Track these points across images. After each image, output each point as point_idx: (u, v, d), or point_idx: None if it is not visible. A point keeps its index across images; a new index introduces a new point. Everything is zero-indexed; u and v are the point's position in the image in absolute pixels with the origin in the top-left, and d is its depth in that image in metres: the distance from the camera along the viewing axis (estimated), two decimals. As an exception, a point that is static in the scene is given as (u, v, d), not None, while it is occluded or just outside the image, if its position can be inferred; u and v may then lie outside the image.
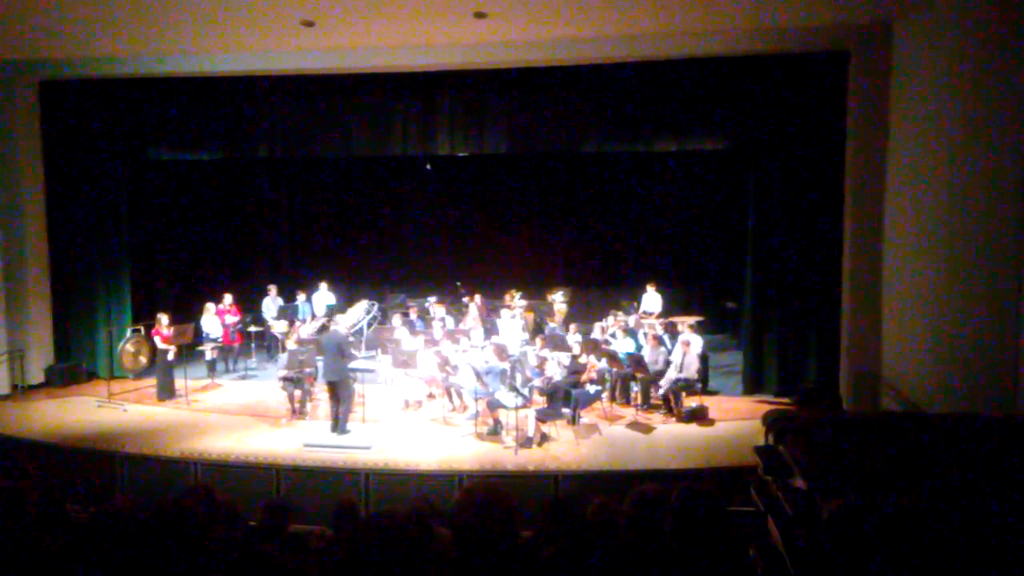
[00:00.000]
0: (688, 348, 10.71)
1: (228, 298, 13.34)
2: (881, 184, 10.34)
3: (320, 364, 11.49)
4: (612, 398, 10.98)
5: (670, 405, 10.48)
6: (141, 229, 13.71)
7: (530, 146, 12.40)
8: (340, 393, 9.68)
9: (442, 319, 12.89)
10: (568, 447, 9.32)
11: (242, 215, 16.49)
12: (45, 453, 9.58)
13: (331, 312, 13.42)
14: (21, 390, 12.14)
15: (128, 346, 11.99)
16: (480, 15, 9.59)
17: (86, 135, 12.67)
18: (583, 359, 10.94)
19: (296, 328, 12.71)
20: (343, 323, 12.52)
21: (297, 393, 10.61)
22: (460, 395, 10.65)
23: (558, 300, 14.13)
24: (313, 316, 13.84)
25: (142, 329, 12.18)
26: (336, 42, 11.01)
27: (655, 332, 11.75)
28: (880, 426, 2.77)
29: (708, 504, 2.75)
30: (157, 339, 11.63)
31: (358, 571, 2.67)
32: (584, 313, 14.10)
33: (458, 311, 13.77)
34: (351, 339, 11.86)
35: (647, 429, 10.02)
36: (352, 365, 9.97)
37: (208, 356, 12.62)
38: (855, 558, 1.95)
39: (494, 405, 9.64)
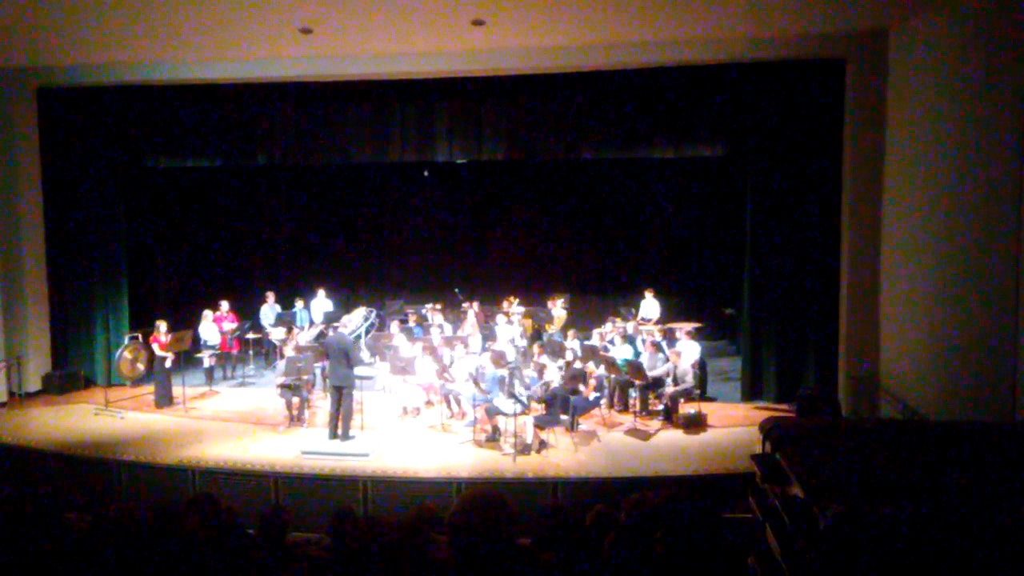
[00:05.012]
0: (679, 358, 10.71)
1: (225, 305, 13.35)
2: (878, 190, 10.37)
3: (318, 371, 11.50)
4: (610, 405, 10.97)
5: (668, 412, 10.48)
6: (139, 236, 13.70)
7: (528, 153, 12.42)
8: (344, 399, 9.64)
9: (440, 326, 12.89)
10: (566, 454, 9.31)
11: (240, 222, 16.48)
12: (42, 461, 9.56)
13: (329, 319, 13.41)
14: (19, 398, 12.11)
15: (126, 353, 11.97)
16: (478, 23, 9.61)
17: (84, 142, 12.66)
18: (577, 365, 10.92)
19: (294, 335, 12.71)
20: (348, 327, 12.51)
21: (295, 400, 10.59)
22: (458, 402, 10.65)
23: (557, 307, 14.14)
24: (311, 323, 13.84)
25: (140, 336, 12.16)
26: (334, 49, 11.04)
27: (653, 339, 11.75)
28: (878, 434, 2.77)
29: (702, 513, 2.75)
30: (155, 346, 11.63)
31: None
32: (583, 320, 14.10)
33: (456, 318, 13.77)
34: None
35: (645, 436, 10.02)
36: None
37: (206, 363, 12.63)
38: (853, 567, 1.95)
39: (492, 412, 9.64)
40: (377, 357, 11.90)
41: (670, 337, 12.21)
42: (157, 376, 11.71)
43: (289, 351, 11.42)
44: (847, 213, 10.74)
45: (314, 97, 12.27)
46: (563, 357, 11.10)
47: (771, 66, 10.86)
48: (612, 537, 3.53)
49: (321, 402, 11.12)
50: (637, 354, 11.55)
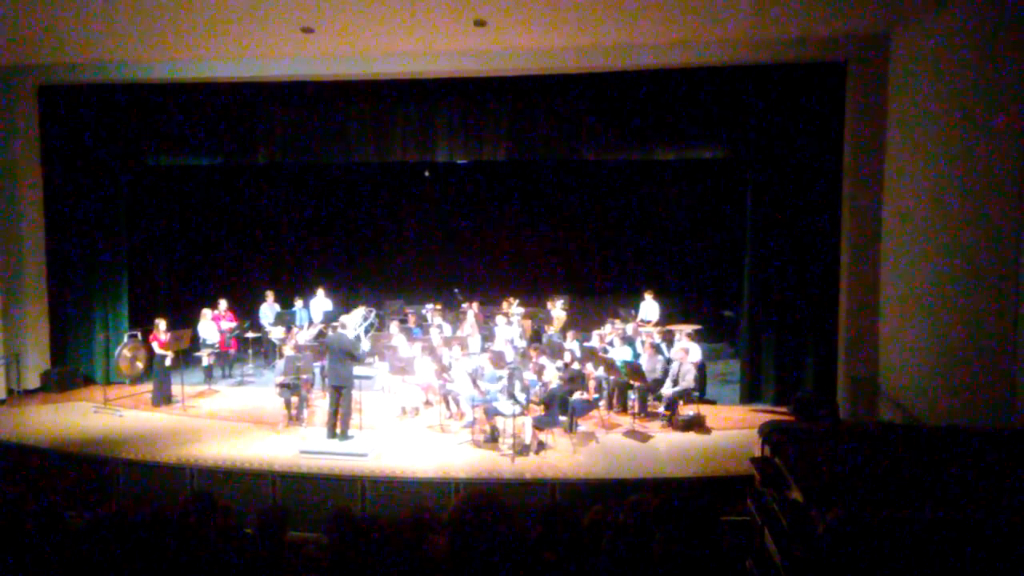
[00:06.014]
0: (685, 356, 10.71)
1: (223, 303, 13.35)
2: (878, 193, 10.38)
3: (317, 371, 11.49)
4: (609, 406, 10.97)
5: (667, 413, 10.48)
6: (139, 234, 13.69)
7: (529, 154, 12.41)
8: (343, 398, 9.62)
9: (439, 326, 12.89)
10: (565, 455, 9.31)
11: (240, 221, 16.48)
12: (41, 459, 9.56)
13: (328, 318, 13.41)
14: (17, 395, 12.11)
15: (125, 351, 11.97)
16: (480, 23, 9.62)
17: (85, 140, 12.66)
18: (576, 367, 10.92)
19: (293, 334, 12.71)
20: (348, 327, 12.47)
21: (294, 399, 10.59)
22: (457, 402, 10.64)
23: (556, 308, 14.14)
24: (310, 322, 13.84)
25: (139, 334, 12.16)
26: (336, 49, 11.05)
27: (652, 340, 11.75)
28: (877, 438, 2.78)
29: (700, 516, 2.75)
30: (154, 344, 11.63)
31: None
32: (582, 321, 14.09)
33: (456, 318, 13.77)
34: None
35: (644, 437, 10.02)
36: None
37: (205, 362, 12.63)
38: (851, 570, 1.95)
39: (491, 412, 9.64)
40: (376, 357, 11.90)
41: (669, 339, 12.21)
42: (156, 374, 11.71)
43: (288, 350, 11.42)
44: (847, 216, 10.74)
45: (315, 96, 12.27)
46: (562, 358, 11.10)
47: (773, 68, 10.87)
48: (610, 538, 3.53)
49: (320, 401, 11.11)
50: (636, 356, 11.55)
